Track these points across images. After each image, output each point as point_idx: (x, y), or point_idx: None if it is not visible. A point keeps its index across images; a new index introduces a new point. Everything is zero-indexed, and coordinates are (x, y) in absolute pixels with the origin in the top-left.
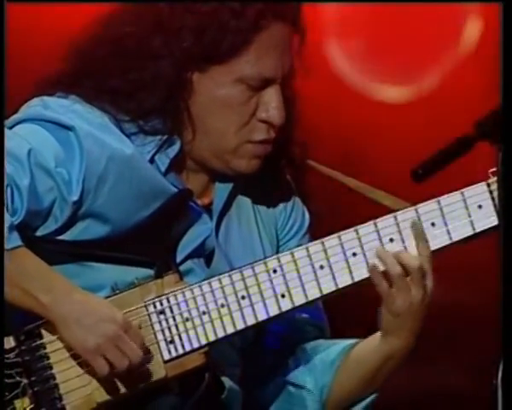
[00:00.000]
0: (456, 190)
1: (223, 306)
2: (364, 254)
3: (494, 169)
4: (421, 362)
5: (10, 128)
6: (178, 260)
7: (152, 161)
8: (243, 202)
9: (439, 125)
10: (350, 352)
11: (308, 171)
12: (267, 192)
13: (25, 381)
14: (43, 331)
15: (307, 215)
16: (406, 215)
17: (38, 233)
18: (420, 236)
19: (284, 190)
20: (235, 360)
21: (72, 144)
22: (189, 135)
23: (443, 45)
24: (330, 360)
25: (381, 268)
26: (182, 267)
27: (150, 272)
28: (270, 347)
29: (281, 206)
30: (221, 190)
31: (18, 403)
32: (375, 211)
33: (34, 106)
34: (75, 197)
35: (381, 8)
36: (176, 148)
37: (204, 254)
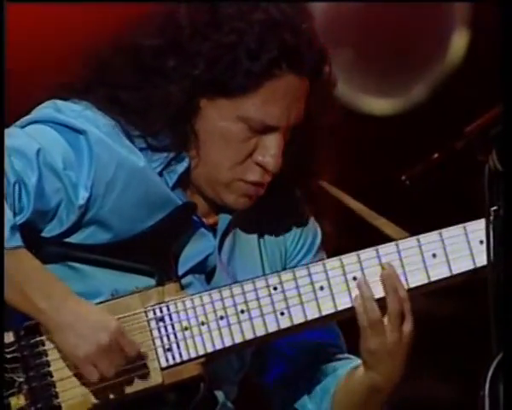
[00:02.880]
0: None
1: (222, 318)
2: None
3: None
4: (407, 375)
5: (22, 128)
6: (180, 273)
7: (160, 175)
8: (248, 225)
9: (427, 137)
10: (343, 380)
11: (319, 191)
12: (275, 213)
13: (22, 377)
14: (43, 328)
15: (319, 233)
16: (408, 244)
17: (43, 235)
18: (394, 282)
19: (295, 209)
20: (232, 379)
21: (82, 148)
22: (193, 158)
23: (430, 57)
24: (328, 388)
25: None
26: (183, 281)
27: (151, 281)
28: (282, 371)
29: (291, 226)
30: (226, 211)
31: (13, 399)
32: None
33: (46, 108)
34: (82, 201)
35: (369, 20)
36: (184, 164)
37: (205, 270)
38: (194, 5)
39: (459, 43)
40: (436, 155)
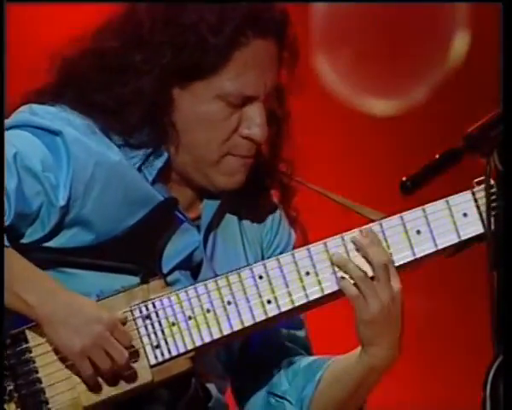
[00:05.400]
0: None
1: (209, 311)
2: (350, 260)
3: (480, 179)
4: (410, 376)
5: None
6: (166, 270)
7: (139, 170)
8: (230, 219)
9: (428, 138)
10: (334, 364)
11: (296, 188)
12: (254, 211)
13: (11, 385)
14: (29, 335)
15: (293, 236)
16: (391, 222)
17: (26, 239)
18: (374, 236)
19: (270, 210)
20: (222, 372)
21: (60, 149)
22: (174, 149)
23: (431, 58)
24: (313, 372)
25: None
26: (169, 278)
27: (137, 280)
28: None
29: (267, 226)
30: (209, 205)
31: (4, 408)
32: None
33: (22, 112)
34: (62, 202)
35: (369, 22)
36: (163, 159)
37: (191, 266)
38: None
39: (460, 44)
40: (437, 156)
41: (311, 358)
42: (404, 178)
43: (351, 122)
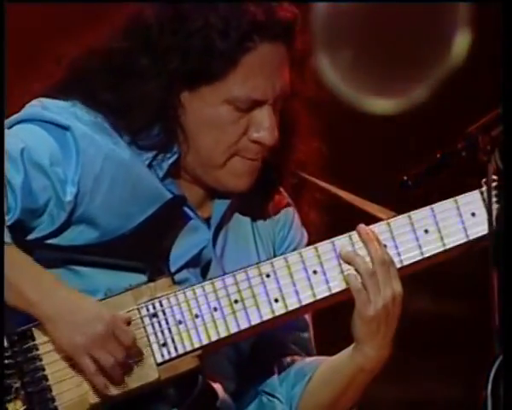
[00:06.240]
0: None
1: (216, 309)
2: (358, 255)
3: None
4: (410, 375)
5: (9, 128)
6: (175, 268)
7: (150, 166)
8: (242, 217)
9: (428, 138)
10: (324, 364)
11: (307, 186)
12: (266, 210)
13: (18, 383)
14: (36, 333)
15: (306, 236)
16: (399, 222)
17: (35, 234)
18: (371, 233)
19: (283, 209)
20: (230, 373)
21: (69, 144)
22: (184, 150)
23: (432, 58)
24: (304, 371)
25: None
26: (178, 276)
27: (144, 278)
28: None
29: (280, 224)
30: (219, 204)
31: (10, 405)
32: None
33: (32, 106)
34: (69, 197)
35: (370, 22)
36: (174, 156)
37: (200, 264)
38: (158, 4)
39: (461, 43)
40: (438, 155)
41: (307, 358)
42: (404, 177)
43: (351, 121)
